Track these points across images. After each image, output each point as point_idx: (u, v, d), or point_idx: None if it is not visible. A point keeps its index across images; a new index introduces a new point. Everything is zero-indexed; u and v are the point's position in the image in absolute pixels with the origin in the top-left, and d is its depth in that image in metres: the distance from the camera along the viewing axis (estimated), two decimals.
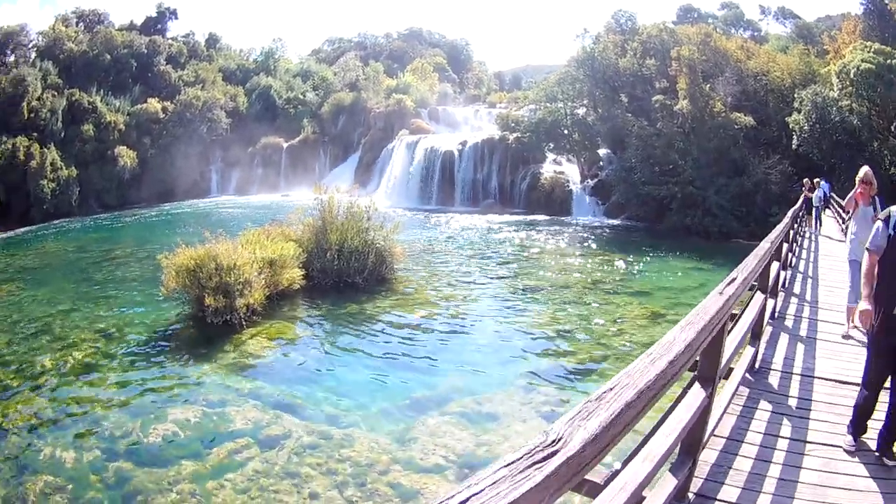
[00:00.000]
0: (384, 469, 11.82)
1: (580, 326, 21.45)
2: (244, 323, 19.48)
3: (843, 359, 9.35)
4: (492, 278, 29.23)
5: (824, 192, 31.15)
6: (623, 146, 52.78)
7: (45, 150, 63.08)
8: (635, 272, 31.04)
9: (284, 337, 19.35)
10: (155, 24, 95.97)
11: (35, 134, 64.26)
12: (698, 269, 32.58)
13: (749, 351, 8.32)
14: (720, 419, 6.34)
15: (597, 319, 22.13)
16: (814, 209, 29.02)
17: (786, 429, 6.77)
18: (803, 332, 10.73)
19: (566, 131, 59.22)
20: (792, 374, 8.57)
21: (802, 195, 28.82)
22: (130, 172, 70.20)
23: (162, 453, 12.31)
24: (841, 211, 30.02)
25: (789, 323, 11.26)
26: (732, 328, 7.01)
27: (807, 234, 25.98)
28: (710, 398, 5.00)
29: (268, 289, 21.29)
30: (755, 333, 8.64)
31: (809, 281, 15.91)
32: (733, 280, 5.59)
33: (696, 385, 5.03)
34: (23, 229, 54.15)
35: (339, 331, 20.46)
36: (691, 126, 48.68)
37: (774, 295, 11.11)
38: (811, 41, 61.96)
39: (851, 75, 41.25)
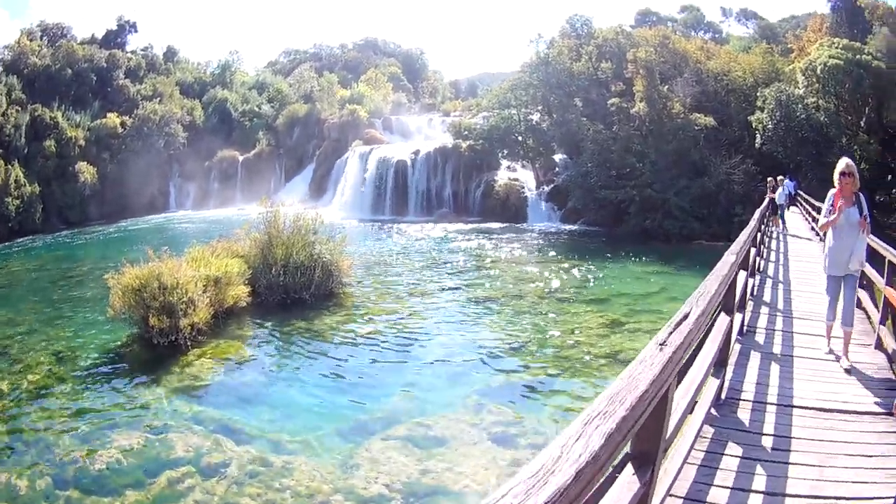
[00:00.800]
0: (324, 500, 11.38)
1: (535, 339, 20.58)
2: (189, 343, 19.17)
3: (824, 380, 8.02)
4: (443, 290, 28.20)
5: (789, 192, 29.84)
6: (579, 151, 51.57)
7: (10, 166, 62.32)
8: (593, 279, 29.83)
9: (230, 357, 18.79)
10: (115, 38, 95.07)
11: (1, 150, 63.68)
12: (658, 273, 31.61)
13: (713, 381, 6.72)
14: (678, 474, 5.03)
15: (552, 331, 21.23)
16: (779, 208, 27.49)
17: (759, 480, 5.43)
18: (777, 350, 9.30)
19: (520, 137, 58.24)
20: (766, 403, 7.19)
21: (767, 196, 27.35)
22: (91, 188, 69.66)
23: (106, 482, 12.11)
24: (812, 210, 28.87)
25: (760, 338, 9.87)
26: (691, 363, 5.58)
27: (774, 235, 24.61)
28: (648, 486, 3.40)
29: (213, 307, 20.88)
30: (720, 360, 6.98)
31: (781, 287, 14.65)
32: (685, 318, 3.93)
33: (629, 468, 3.37)
34: None
35: (285, 350, 20.01)
36: (649, 128, 47.58)
37: (742, 308, 9.75)
38: (775, 41, 61.14)
39: (818, 72, 40.44)
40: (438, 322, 22.78)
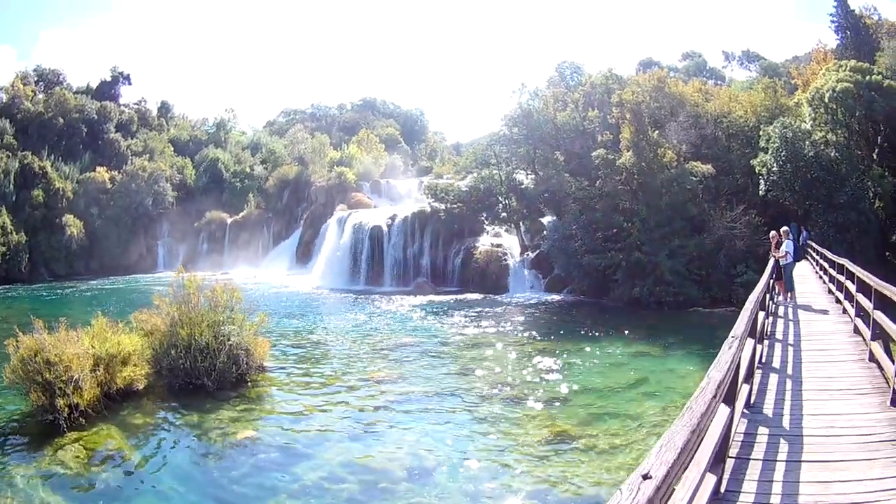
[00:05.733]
0: None
1: (448, 462, 15.91)
2: (68, 425, 17.68)
3: None
4: (373, 382, 23.94)
5: (794, 246, 23.55)
6: (563, 211, 47.06)
7: None
8: (556, 368, 24.59)
9: (102, 447, 16.99)
10: (109, 89, 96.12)
11: None
12: (642, 356, 26.61)
13: None
14: None
15: (476, 452, 16.51)
16: (783, 270, 21.49)
17: None
18: None
19: (502, 198, 53.13)
20: None
21: (771, 258, 21.96)
22: (78, 243, 71.38)
23: None
24: (825, 263, 23.67)
25: None
26: None
27: (780, 311, 18.87)
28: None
29: (100, 388, 19.39)
30: None
31: (787, 413, 9.25)
32: None
33: None
34: None
35: (162, 445, 17.79)
36: (638, 181, 42.77)
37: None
38: (778, 78, 56.76)
39: (826, 100, 37.12)
40: (343, 427, 18.82)
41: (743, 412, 8.68)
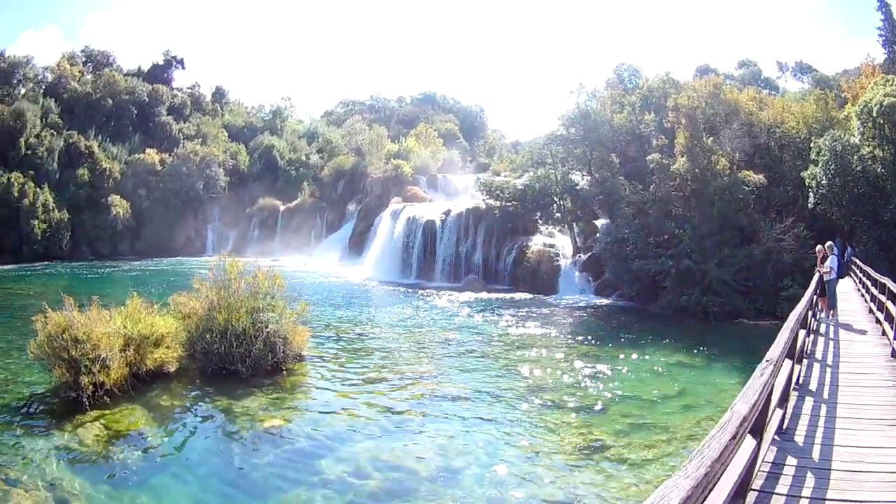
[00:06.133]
0: None
1: (475, 466, 15.66)
2: (91, 402, 17.96)
3: None
4: (411, 379, 23.73)
5: (838, 262, 23.20)
6: (616, 214, 46.59)
7: (39, 189, 65.87)
8: (599, 374, 24.27)
9: (124, 427, 17.18)
10: (161, 73, 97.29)
11: (31, 172, 67.13)
12: (683, 367, 26.03)
13: None
14: None
15: (506, 455, 16.27)
16: (826, 286, 21.26)
17: None
18: None
19: (556, 198, 53.21)
20: None
21: (816, 273, 21.63)
22: (124, 223, 72.58)
23: None
24: (867, 281, 22.91)
25: None
26: None
27: (821, 328, 18.53)
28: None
29: (128, 368, 19.59)
30: None
31: (818, 443, 8.85)
32: None
33: None
34: (10, 266, 57.86)
35: (185, 429, 17.84)
36: (691, 188, 42.27)
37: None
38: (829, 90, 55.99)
39: (874, 114, 35.97)
40: (374, 422, 18.60)
41: (774, 439, 8.46)
